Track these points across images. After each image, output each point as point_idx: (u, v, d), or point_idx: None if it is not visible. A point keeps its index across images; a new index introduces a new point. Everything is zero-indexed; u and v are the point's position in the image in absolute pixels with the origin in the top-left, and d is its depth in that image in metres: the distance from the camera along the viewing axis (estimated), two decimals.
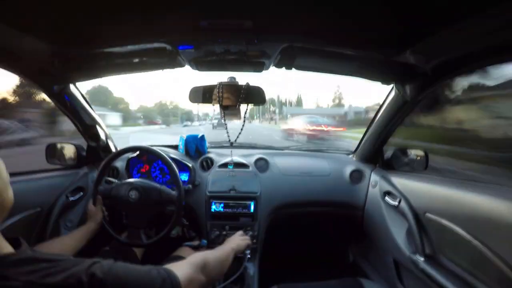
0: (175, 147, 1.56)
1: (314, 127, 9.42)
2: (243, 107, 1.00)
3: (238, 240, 1.02)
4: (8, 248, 0.45)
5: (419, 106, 1.10)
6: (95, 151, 1.34)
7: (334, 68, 0.98)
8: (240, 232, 1.12)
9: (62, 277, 0.42)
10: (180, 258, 1.08)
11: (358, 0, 0.58)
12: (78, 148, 1.31)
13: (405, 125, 1.23)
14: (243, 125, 1.07)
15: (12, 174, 0.53)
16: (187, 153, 1.50)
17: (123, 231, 1.14)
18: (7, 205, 0.49)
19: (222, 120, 1.05)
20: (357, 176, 1.45)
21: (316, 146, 1.87)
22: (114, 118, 29.12)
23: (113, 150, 1.42)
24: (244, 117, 1.03)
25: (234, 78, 1.00)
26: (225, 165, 1.43)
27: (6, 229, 0.87)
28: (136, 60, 0.92)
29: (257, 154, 1.54)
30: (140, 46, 0.84)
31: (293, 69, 0.94)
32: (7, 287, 0.40)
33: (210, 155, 1.50)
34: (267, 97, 1.02)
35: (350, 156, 1.60)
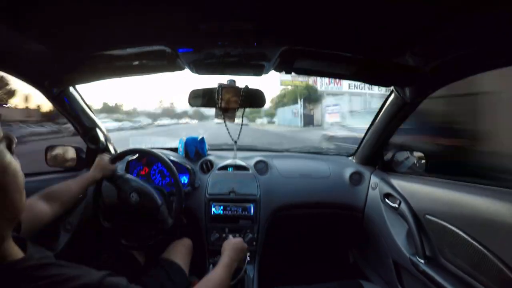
0: (175, 149, 1.56)
1: None
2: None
3: (239, 253, 0.96)
4: (19, 254, 0.43)
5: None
6: (95, 153, 1.34)
7: (334, 71, 0.98)
8: (239, 241, 1.02)
9: (72, 286, 0.41)
10: (172, 263, 1.08)
11: (357, 3, 0.58)
12: (77, 150, 1.31)
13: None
14: (241, 126, 1.08)
15: None
16: (187, 155, 1.50)
17: (121, 232, 1.14)
18: (20, 212, 0.45)
19: (223, 121, 1.05)
20: (357, 178, 1.45)
21: (316, 148, 1.87)
22: None
23: (113, 152, 1.42)
24: (242, 118, 1.04)
25: (234, 81, 1.00)
26: (224, 167, 1.43)
27: None
28: (136, 62, 0.92)
29: (257, 156, 1.54)
30: (139, 49, 0.84)
31: (293, 73, 0.94)
32: None
33: (210, 157, 1.50)
34: None
35: (350, 158, 1.60)
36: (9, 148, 0.42)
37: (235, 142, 1.17)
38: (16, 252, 0.43)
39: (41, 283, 0.40)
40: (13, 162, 0.42)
